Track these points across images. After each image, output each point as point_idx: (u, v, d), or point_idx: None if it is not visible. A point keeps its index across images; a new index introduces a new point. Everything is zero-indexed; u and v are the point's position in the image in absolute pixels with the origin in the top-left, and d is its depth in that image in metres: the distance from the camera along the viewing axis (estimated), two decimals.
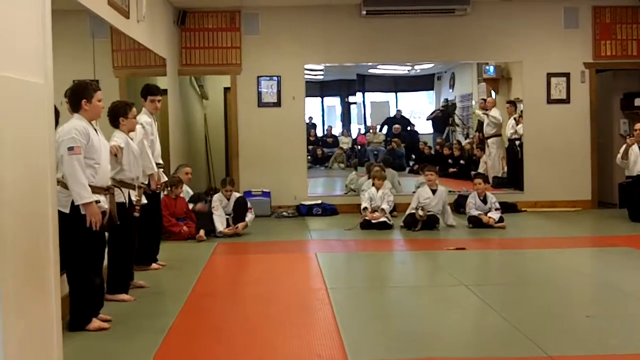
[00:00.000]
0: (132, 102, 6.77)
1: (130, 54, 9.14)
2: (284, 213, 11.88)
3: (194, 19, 12.14)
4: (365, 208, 10.38)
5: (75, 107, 5.31)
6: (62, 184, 5.08)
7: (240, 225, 9.83)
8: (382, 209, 10.28)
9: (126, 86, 8.94)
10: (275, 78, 12.34)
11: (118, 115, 6.42)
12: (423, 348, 4.87)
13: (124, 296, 6.27)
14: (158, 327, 5.37)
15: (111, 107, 6.47)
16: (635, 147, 10.51)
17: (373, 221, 10.22)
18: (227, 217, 9.90)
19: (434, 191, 10.25)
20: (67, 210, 5.10)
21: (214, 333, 5.30)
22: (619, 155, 10.72)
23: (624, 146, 10.69)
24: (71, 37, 6.83)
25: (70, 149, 5.05)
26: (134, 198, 6.44)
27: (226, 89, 13.95)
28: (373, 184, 10.67)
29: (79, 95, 5.31)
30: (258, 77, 12.30)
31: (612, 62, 12.45)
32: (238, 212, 9.92)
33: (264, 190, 11.90)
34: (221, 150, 15.19)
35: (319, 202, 12.12)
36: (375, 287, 7.03)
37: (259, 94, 12.33)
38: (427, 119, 18.74)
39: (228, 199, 9.97)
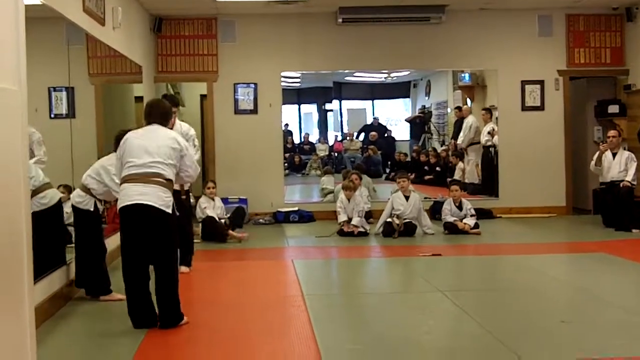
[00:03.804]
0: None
1: (106, 60, 9.11)
2: (261, 220, 11.87)
3: (170, 26, 12.12)
4: (345, 221, 10.36)
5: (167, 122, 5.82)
6: (165, 184, 5.43)
7: (241, 235, 10.10)
8: (354, 225, 10.29)
9: (102, 93, 8.90)
10: (252, 85, 12.34)
11: None
12: (399, 354, 4.89)
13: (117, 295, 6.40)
14: (134, 333, 5.35)
15: (117, 135, 6.46)
16: (608, 153, 10.61)
17: (346, 230, 10.25)
18: (223, 219, 10.10)
19: (407, 197, 10.29)
20: (169, 211, 5.44)
21: (189, 340, 5.28)
22: (593, 162, 10.81)
23: (597, 153, 10.78)
24: (46, 44, 6.80)
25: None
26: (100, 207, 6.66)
27: (202, 96, 13.92)
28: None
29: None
30: (235, 84, 12.29)
31: (585, 70, 12.57)
32: (237, 218, 10.37)
33: (241, 197, 11.87)
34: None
35: (296, 209, 12.13)
36: (352, 294, 7.04)
37: (236, 101, 12.32)
38: (406, 120, 18.81)
39: (213, 199, 10.08)
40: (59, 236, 6.55)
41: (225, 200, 11.26)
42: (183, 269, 7.57)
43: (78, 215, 6.51)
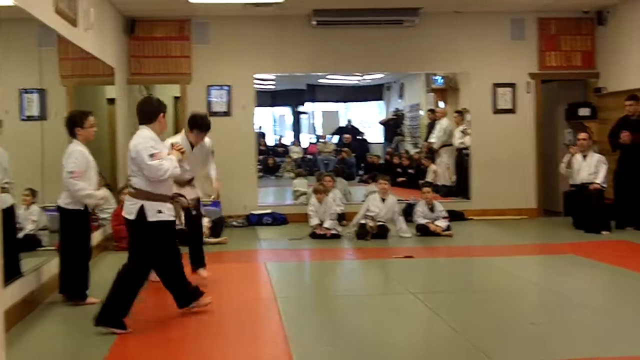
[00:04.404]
0: (89, 111, 6.70)
1: (78, 62, 9.05)
2: (234, 222, 11.85)
3: (143, 28, 12.06)
4: (317, 225, 10.38)
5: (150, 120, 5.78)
6: (133, 193, 5.65)
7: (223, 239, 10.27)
8: (327, 228, 10.32)
9: (74, 95, 8.85)
10: (226, 87, 12.32)
11: (75, 125, 6.41)
12: (371, 356, 4.93)
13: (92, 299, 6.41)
14: (106, 334, 5.35)
15: (68, 116, 6.48)
16: (578, 156, 10.71)
17: (319, 232, 10.27)
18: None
19: (383, 200, 10.32)
20: (131, 217, 5.64)
21: (160, 341, 5.28)
22: (563, 165, 10.91)
23: (567, 155, 10.89)
24: (17, 45, 6.75)
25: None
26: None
27: (176, 98, 13.88)
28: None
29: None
30: (208, 86, 12.26)
31: (557, 73, 12.69)
32: (217, 228, 10.43)
33: (214, 199, 11.83)
34: None
35: (269, 211, 12.13)
36: (324, 297, 7.06)
37: (209, 103, 12.28)
38: (380, 123, 18.89)
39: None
40: (8, 242, 6.42)
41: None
42: (202, 272, 7.48)
43: (65, 217, 6.41)
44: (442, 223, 10.37)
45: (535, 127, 12.58)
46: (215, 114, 12.23)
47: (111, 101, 10.81)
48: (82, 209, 6.43)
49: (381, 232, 10.11)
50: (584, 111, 12.53)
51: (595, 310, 6.10)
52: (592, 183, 10.49)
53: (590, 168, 10.59)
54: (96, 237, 8.87)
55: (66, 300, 6.47)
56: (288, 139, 20.18)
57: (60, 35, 7.71)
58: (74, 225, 6.43)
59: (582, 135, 10.89)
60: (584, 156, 10.69)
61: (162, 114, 5.80)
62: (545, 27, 12.58)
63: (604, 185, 10.51)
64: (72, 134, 6.44)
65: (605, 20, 12.25)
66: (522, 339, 5.24)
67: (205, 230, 10.04)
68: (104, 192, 9.47)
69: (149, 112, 5.79)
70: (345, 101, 19.95)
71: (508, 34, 12.53)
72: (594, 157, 10.65)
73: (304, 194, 12.81)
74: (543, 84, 12.70)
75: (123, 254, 9.02)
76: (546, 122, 12.75)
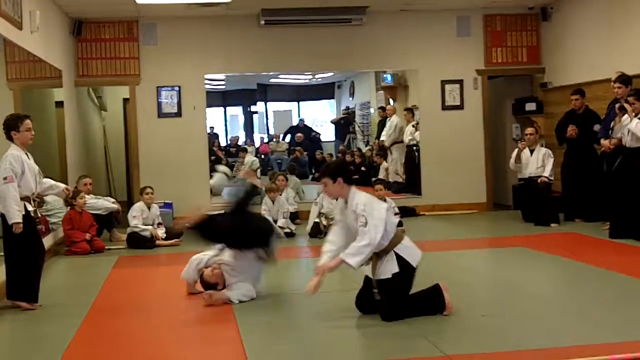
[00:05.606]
0: (25, 114, 6.59)
1: (25, 65, 8.94)
2: (187, 224, 11.74)
3: (90, 30, 11.94)
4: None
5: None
6: None
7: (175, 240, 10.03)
8: (280, 227, 10.30)
9: (21, 98, 8.74)
10: (176, 88, 12.26)
11: (10, 128, 6.31)
12: (325, 353, 4.96)
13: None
14: (56, 341, 5.29)
15: (4, 121, 6.39)
16: (526, 150, 10.88)
17: None
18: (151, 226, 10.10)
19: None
20: None
21: (112, 353, 5.23)
22: (512, 160, 11.06)
23: (515, 150, 11.05)
24: None
25: None
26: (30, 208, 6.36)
27: (125, 100, 13.78)
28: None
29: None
30: (157, 87, 12.19)
31: (503, 69, 12.89)
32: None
33: (166, 201, 11.72)
34: (121, 161, 14.95)
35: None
36: (278, 294, 7.07)
37: (159, 104, 12.22)
38: (331, 122, 18.94)
39: (149, 208, 10.05)
40: None
41: None
42: None
43: (6, 222, 6.26)
44: (394, 219, 10.44)
45: (483, 122, 12.76)
46: (166, 115, 12.19)
47: (59, 104, 10.69)
48: (24, 213, 6.26)
49: None
50: (530, 106, 12.75)
51: (546, 301, 6.21)
52: (539, 176, 10.67)
53: (537, 162, 10.76)
54: (47, 241, 8.76)
55: (16, 306, 6.39)
56: (240, 139, 20.11)
57: (5, 38, 7.61)
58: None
59: (529, 129, 11.07)
60: (531, 150, 10.86)
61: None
62: (490, 23, 12.77)
63: (551, 179, 10.69)
64: (9, 138, 6.34)
65: (550, 16, 12.48)
66: (474, 331, 5.30)
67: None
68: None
69: None
70: (297, 100, 19.95)
71: (454, 31, 12.69)
72: (541, 151, 10.82)
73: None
74: (490, 79, 12.89)
75: (74, 258, 9.06)
76: (494, 117, 12.94)
